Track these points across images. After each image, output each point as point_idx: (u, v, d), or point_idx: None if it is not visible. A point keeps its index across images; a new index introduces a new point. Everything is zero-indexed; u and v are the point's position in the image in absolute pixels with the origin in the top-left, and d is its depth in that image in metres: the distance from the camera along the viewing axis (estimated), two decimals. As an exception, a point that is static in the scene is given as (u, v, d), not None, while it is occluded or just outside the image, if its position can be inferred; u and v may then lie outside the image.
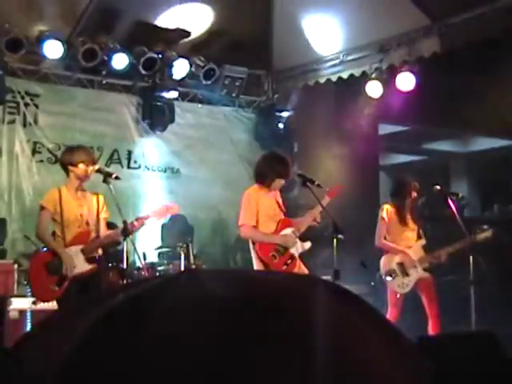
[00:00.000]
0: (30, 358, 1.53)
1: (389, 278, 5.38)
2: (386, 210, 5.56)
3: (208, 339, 1.35)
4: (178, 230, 6.99)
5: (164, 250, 6.87)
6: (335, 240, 4.81)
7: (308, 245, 5.06)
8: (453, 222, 5.37)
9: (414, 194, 5.60)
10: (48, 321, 1.93)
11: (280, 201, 5.15)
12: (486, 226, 5.49)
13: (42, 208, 4.87)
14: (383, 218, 5.52)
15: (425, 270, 5.41)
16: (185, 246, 6.32)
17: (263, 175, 5.03)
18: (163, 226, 7.18)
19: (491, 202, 13.08)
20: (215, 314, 1.39)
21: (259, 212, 4.93)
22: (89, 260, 4.79)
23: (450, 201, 5.38)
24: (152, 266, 6.51)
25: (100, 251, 4.90)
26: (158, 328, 1.40)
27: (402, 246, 5.49)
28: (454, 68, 8.65)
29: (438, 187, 5.49)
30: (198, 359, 1.32)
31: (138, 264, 5.98)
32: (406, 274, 5.38)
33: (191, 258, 6.19)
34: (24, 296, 5.69)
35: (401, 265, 5.41)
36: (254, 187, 5.07)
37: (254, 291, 1.55)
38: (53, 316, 1.99)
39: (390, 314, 5.34)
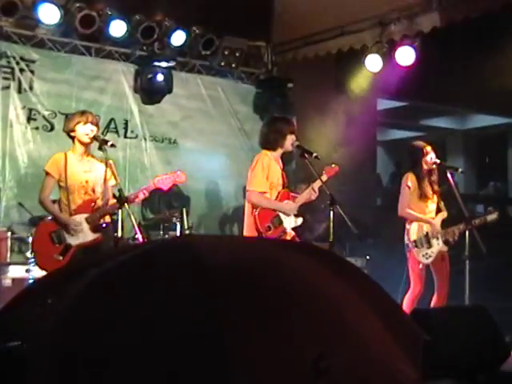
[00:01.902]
0: (26, 315, 1.54)
1: (416, 247, 5.30)
2: (411, 179, 5.37)
3: (195, 302, 1.36)
4: (173, 200, 7.00)
5: (160, 220, 6.87)
6: (332, 213, 4.81)
7: (300, 220, 5.07)
8: (449, 196, 5.38)
9: (431, 160, 5.35)
10: (45, 280, 1.94)
11: (283, 172, 5.16)
12: (491, 208, 5.45)
13: (46, 173, 4.84)
14: (408, 187, 5.34)
15: (444, 243, 5.33)
16: (178, 213, 6.33)
17: (271, 140, 5.01)
18: (159, 197, 7.18)
19: (487, 180, 13.13)
20: (204, 278, 1.40)
21: (268, 178, 4.91)
22: (94, 229, 4.77)
23: (449, 175, 5.35)
24: (148, 235, 6.52)
25: (108, 219, 4.87)
26: (148, 290, 1.41)
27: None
28: (453, 43, 8.59)
29: (438, 161, 5.40)
30: (185, 322, 1.33)
31: (134, 234, 5.98)
32: (429, 244, 5.30)
33: (185, 224, 6.20)
34: (18, 264, 5.70)
35: (426, 235, 5.32)
36: (264, 152, 5.00)
37: (243, 256, 1.57)
38: (50, 275, 2.00)
39: (415, 287, 5.27)
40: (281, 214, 4.95)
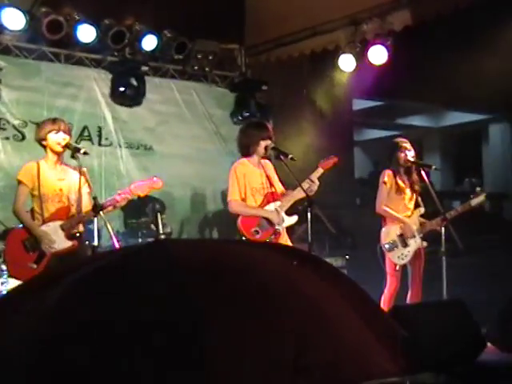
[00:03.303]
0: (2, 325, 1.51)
1: (389, 250, 5.28)
2: (388, 175, 5.37)
3: (171, 304, 1.34)
4: (151, 207, 6.93)
5: (139, 226, 6.80)
6: (309, 214, 4.80)
7: (294, 219, 5.04)
8: (426, 194, 5.39)
9: (407, 156, 5.34)
10: (21, 289, 1.90)
11: (271, 173, 5.12)
12: (479, 189, 5.43)
13: (19, 183, 4.76)
14: (385, 183, 5.34)
15: (422, 239, 5.31)
16: (153, 217, 6.28)
17: (245, 146, 5.03)
18: (138, 204, 7.10)
19: (463, 176, 13.27)
20: (179, 281, 1.39)
21: (246, 186, 4.91)
22: (69, 236, 4.70)
23: (423, 173, 5.37)
24: (126, 243, 6.45)
25: (81, 227, 4.81)
26: (124, 294, 1.39)
27: (401, 215, 5.35)
28: (426, 42, 8.67)
29: (412, 159, 5.41)
30: (162, 324, 1.31)
31: (110, 242, 5.91)
32: (405, 244, 5.29)
33: (160, 229, 6.14)
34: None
35: (401, 236, 5.30)
36: (240, 161, 5.05)
37: (219, 258, 1.55)
38: (26, 284, 1.96)
39: (391, 285, 5.27)
40: (268, 216, 4.92)
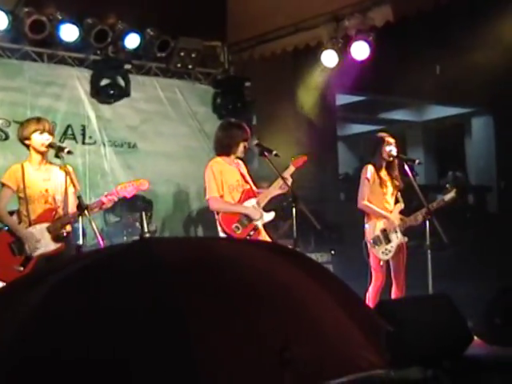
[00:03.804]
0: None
1: (374, 245, 5.31)
2: (370, 170, 5.36)
3: (156, 301, 1.35)
4: (135, 205, 6.91)
5: (122, 225, 6.79)
6: (294, 210, 4.83)
7: (271, 215, 5.07)
8: (410, 188, 5.43)
9: (390, 150, 5.36)
10: (5, 291, 1.90)
11: (244, 171, 5.15)
12: (448, 185, 5.48)
13: (3, 185, 4.73)
14: (367, 179, 5.34)
15: (403, 234, 5.34)
16: (138, 216, 6.27)
17: (224, 145, 5.05)
18: (121, 202, 7.08)
19: (447, 169, 13.38)
20: (163, 278, 1.40)
21: (223, 183, 4.93)
22: (55, 238, 4.67)
23: (406, 167, 5.41)
24: (110, 242, 6.43)
25: (68, 228, 4.79)
26: (108, 293, 1.40)
27: (383, 210, 5.36)
28: (407, 37, 8.72)
29: (395, 154, 5.44)
30: (147, 321, 1.33)
31: (95, 241, 5.90)
32: (388, 240, 5.31)
33: (145, 228, 6.14)
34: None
35: (383, 231, 5.32)
36: (215, 159, 5.07)
37: (202, 254, 1.57)
38: (10, 285, 1.96)
39: (376, 280, 5.29)
40: (248, 212, 4.95)
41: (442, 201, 5.33)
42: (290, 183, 4.95)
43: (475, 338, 4.32)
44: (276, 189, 5.00)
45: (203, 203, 7.72)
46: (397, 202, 5.49)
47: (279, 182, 4.96)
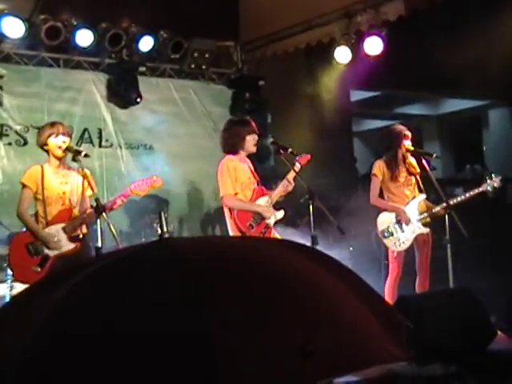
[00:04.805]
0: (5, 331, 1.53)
1: (385, 237, 5.31)
2: (378, 166, 5.38)
3: (182, 298, 1.37)
4: (153, 206, 6.96)
5: (140, 226, 6.83)
6: (311, 206, 4.83)
7: (281, 214, 5.08)
8: (428, 182, 5.40)
9: (407, 145, 5.36)
10: (24, 294, 1.93)
11: (252, 169, 5.16)
12: (494, 175, 5.33)
13: (23, 186, 4.80)
14: (375, 175, 5.37)
15: (424, 225, 5.30)
16: (154, 217, 6.29)
17: (231, 144, 5.04)
18: (139, 203, 7.14)
19: (464, 163, 13.27)
20: (189, 275, 1.42)
21: (237, 180, 4.94)
22: (71, 238, 4.73)
23: (424, 161, 5.38)
24: (130, 243, 6.49)
25: (84, 229, 4.85)
26: (133, 291, 1.42)
27: (399, 203, 5.33)
28: (420, 31, 8.67)
29: (411, 148, 5.42)
30: (174, 319, 1.34)
31: (113, 243, 5.95)
32: (401, 231, 5.29)
33: (164, 228, 6.14)
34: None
35: (397, 222, 5.31)
36: (228, 157, 5.05)
37: (226, 251, 1.59)
38: (30, 288, 1.99)
39: (392, 272, 5.29)
40: (262, 210, 4.96)
41: (478, 191, 5.25)
42: (291, 188, 4.97)
43: (499, 332, 4.27)
44: (281, 188, 5.02)
45: (219, 202, 7.75)
46: (420, 191, 5.44)
47: (285, 181, 4.98)
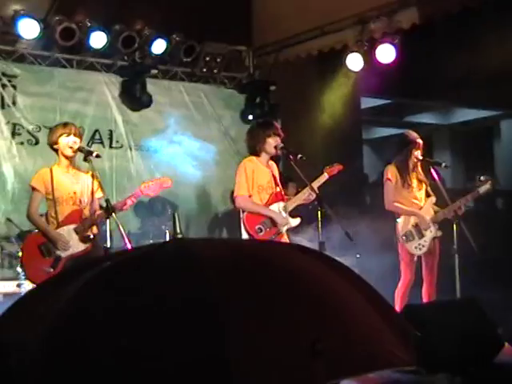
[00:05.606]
0: (17, 327, 1.54)
1: (406, 240, 5.31)
2: (391, 171, 5.40)
3: (195, 298, 1.38)
4: (161, 208, 6.98)
5: (149, 228, 6.85)
6: (319, 213, 4.83)
7: (296, 221, 5.07)
8: (437, 192, 5.39)
9: (418, 153, 5.39)
10: (38, 289, 1.94)
11: (276, 173, 5.16)
12: (483, 178, 5.40)
13: (33, 189, 4.84)
14: (389, 179, 5.37)
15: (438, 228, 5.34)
16: (171, 218, 6.30)
17: (252, 146, 5.07)
18: (148, 205, 7.16)
19: (474, 173, 13.20)
20: (202, 274, 1.42)
21: (254, 182, 4.94)
22: (83, 239, 4.76)
23: (433, 170, 5.38)
24: (138, 244, 6.50)
25: (95, 230, 4.87)
26: (146, 289, 1.42)
27: (413, 207, 5.36)
28: (434, 39, 8.66)
29: (421, 157, 5.43)
30: (186, 317, 1.35)
31: (122, 243, 5.97)
32: (421, 235, 5.31)
33: (177, 229, 6.17)
34: (8, 279, 5.67)
35: (416, 226, 5.33)
36: (249, 158, 5.09)
37: (239, 251, 1.60)
38: (43, 284, 2.01)
39: (405, 277, 5.30)
40: (274, 216, 4.95)
41: (477, 193, 5.28)
42: (314, 196, 4.93)
43: (506, 344, 4.24)
44: (304, 195, 5.00)
45: (228, 206, 7.77)
46: (428, 195, 5.45)
47: (308, 190, 4.95)
